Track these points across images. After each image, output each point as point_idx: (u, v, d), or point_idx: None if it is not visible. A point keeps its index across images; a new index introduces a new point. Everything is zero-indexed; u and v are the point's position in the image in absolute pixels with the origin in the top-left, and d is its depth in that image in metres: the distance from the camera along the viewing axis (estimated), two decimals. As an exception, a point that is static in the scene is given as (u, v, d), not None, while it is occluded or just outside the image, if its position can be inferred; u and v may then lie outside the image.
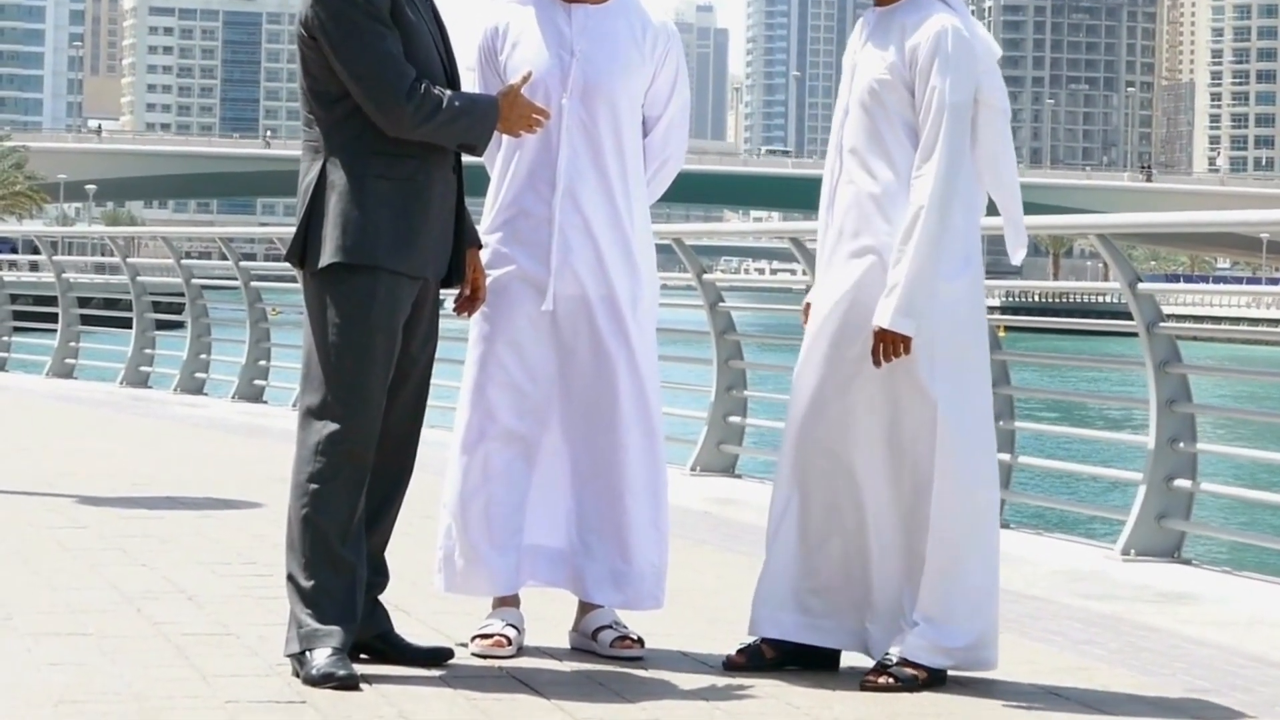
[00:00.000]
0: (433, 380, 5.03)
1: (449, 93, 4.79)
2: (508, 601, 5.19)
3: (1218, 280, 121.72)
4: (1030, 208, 5.21)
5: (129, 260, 16.98)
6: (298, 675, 4.67)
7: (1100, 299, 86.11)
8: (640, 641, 5.14)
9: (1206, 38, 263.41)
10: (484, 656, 5.03)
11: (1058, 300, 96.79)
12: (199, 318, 15.85)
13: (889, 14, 5.03)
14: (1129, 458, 15.16)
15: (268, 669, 4.79)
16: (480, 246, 5.10)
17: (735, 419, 10.26)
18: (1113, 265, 7.73)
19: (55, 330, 17.80)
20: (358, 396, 4.74)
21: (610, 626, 5.15)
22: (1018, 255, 5.11)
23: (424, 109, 4.73)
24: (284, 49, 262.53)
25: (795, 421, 5.05)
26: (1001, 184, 5.05)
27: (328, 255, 4.75)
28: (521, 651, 5.11)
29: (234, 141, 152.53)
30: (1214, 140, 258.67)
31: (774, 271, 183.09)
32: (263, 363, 15.19)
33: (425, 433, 5.00)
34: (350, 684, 4.58)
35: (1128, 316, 7.77)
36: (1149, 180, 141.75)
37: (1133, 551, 7.47)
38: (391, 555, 4.97)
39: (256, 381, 15.13)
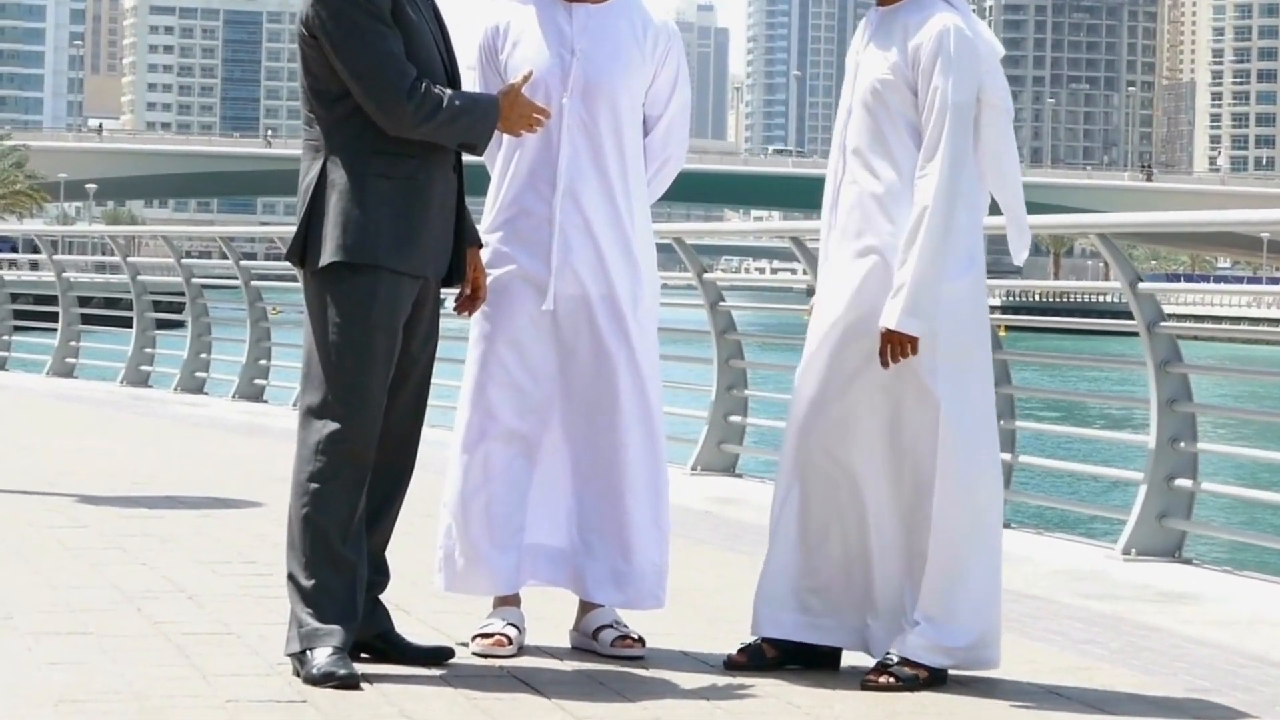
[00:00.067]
0: (433, 379, 5.03)
1: (449, 92, 4.79)
2: (508, 601, 5.19)
3: (1218, 280, 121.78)
4: (1031, 207, 5.21)
5: (129, 259, 16.98)
6: (298, 674, 4.67)
7: (1101, 298, 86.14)
8: (641, 641, 5.14)
9: (1207, 37, 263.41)
10: (485, 656, 5.03)
11: (1058, 300, 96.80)
12: (199, 317, 15.85)
13: (891, 14, 5.03)
14: (1130, 457, 15.16)
15: (268, 668, 4.79)
16: (481, 246, 5.10)
17: (736, 418, 10.26)
18: (1113, 265, 7.72)
19: (56, 329, 17.80)
20: (358, 396, 4.74)
21: (611, 626, 5.15)
22: (1020, 256, 5.10)
23: (424, 108, 4.73)
24: (285, 48, 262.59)
25: (796, 421, 5.05)
26: (1005, 183, 5.05)
27: (328, 254, 4.75)
28: (522, 651, 5.10)
29: (234, 141, 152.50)
30: (1215, 140, 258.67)
31: (775, 271, 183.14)
32: (263, 362, 15.19)
33: (426, 432, 5.00)
34: (351, 683, 4.57)
35: (1128, 316, 7.77)
36: (1149, 180, 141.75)
37: (1133, 551, 7.47)
38: (392, 554, 4.97)
39: (257, 381, 15.13)
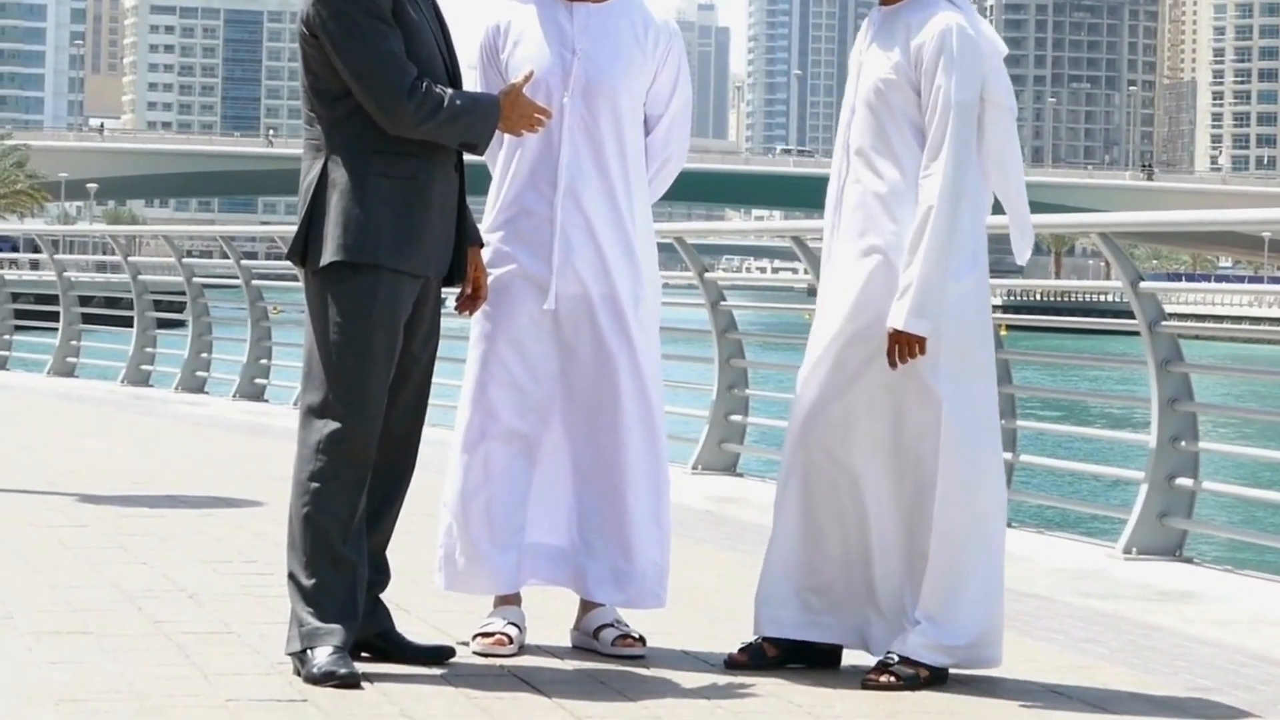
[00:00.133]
0: (434, 379, 5.03)
1: (450, 91, 4.79)
2: (509, 600, 5.19)
3: (1219, 279, 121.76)
4: (1032, 206, 5.20)
5: (130, 259, 16.98)
6: (299, 674, 4.66)
7: (1102, 298, 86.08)
8: (642, 640, 5.14)
9: (1208, 36, 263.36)
10: (485, 655, 5.03)
11: (1059, 299, 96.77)
12: (200, 316, 15.84)
13: (894, 13, 5.02)
14: (1131, 456, 15.16)
15: (269, 667, 4.79)
16: (482, 245, 5.09)
17: (737, 418, 10.26)
18: (1115, 264, 7.72)
19: (56, 329, 17.79)
20: (359, 395, 4.74)
21: (612, 625, 5.15)
22: (1023, 255, 5.09)
23: (425, 107, 4.72)
24: (285, 47, 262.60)
25: (797, 420, 5.05)
26: (1009, 183, 5.04)
27: (329, 254, 4.74)
28: (523, 650, 5.10)
29: (235, 140, 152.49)
30: (1216, 139, 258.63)
31: (776, 270, 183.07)
32: (264, 361, 15.19)
33: (426, 431, 4.99)
34: (351, 682, 4.57)
35: (1129, 315, 7.76)
36: (1150, 179, 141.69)
37: (1134, 550, 7.47)
38: (392, 554, 4.97)
39: (258, 380, 15.13)
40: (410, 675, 4.75)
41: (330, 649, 4.64)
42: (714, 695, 4.69)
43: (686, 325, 11.96)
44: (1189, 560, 7.49)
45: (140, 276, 16.73)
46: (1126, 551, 7.47)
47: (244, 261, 15.32)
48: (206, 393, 15.57)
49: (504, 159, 5.19)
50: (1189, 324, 8.68)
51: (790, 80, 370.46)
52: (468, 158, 4.96)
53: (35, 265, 23.90)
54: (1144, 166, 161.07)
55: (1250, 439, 25.77)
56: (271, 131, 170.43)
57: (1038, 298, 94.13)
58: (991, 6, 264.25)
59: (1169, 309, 7.80)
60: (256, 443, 11.56)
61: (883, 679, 4.86)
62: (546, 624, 5.28)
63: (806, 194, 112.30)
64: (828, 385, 4.99)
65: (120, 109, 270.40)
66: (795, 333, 9.82)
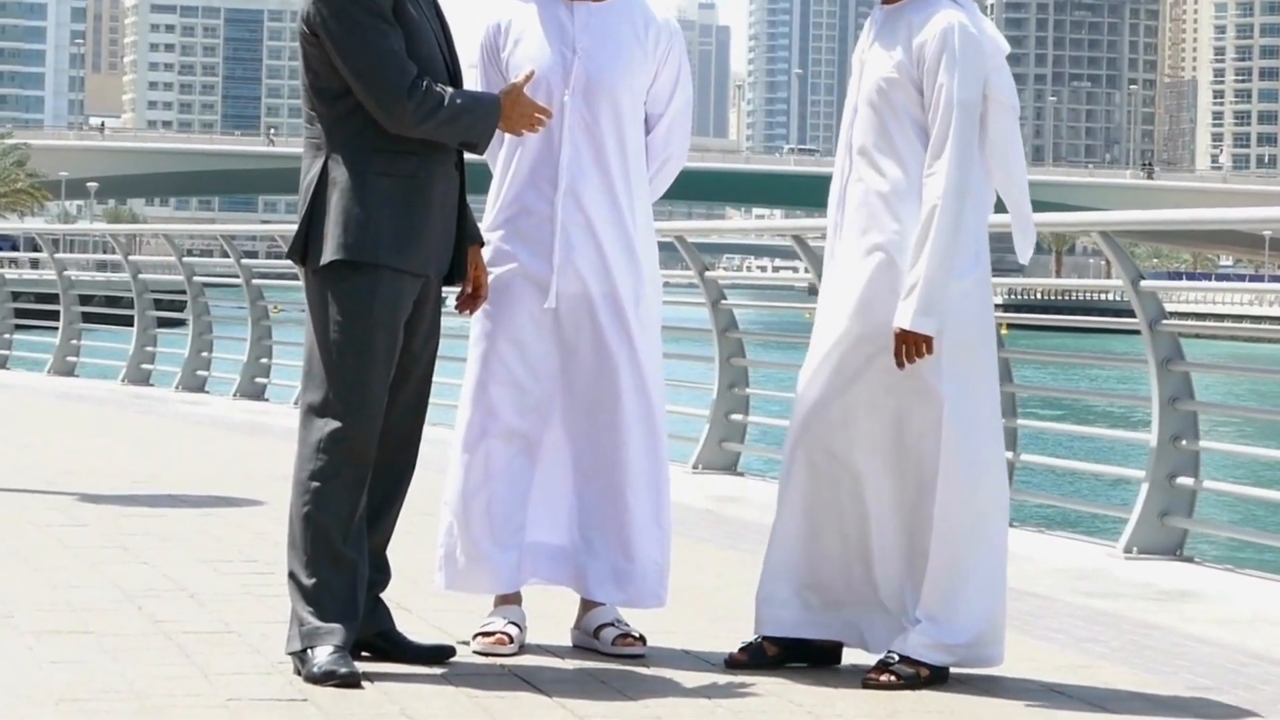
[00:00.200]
0: (434, 378, 5.03)
1: (451, 90, 4.79)
2: (509, 599, 5.18)
3: (1220, 278, 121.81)
4: (1033, 205, 5.19)
5: (130, 258, 16.98)
6: (299, 673, 4.66)
7: (1102, 297, 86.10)
8: (642, 639, 5.14)
9: (1209, 35, 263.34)
10: (486, 654, 5.02)
11: (1060, 298, 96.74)
12: (200, 315, 15.85)
13: (896, 12, 5.02)
14: (1131, 455, 15.14)
15: (269, 667, 4.78)
16: (482, 244, 5.09)
17: (737, 417, 10.25)
18: (1115, 263, 7.72)
19: (57, 328, 17.79)
20: (359, 394, 4.74)
21: (612, 624, 5.15)
22: (1025, 254, 5.09)
23: (425, 106, 4.72)
24: (286, 46, 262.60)
25: (798, 419, 5.05)
26: (1011, 181, 5.04)
27: (329, 253, 4.74)
28: (523, 649, 5.10)
29: (236, 139, 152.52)
30: (1217, 138, 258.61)
31: (776, 269, 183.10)
32: (264, 360, 15.19)
33: (427, 430, 4.99)
34: (352, 682, 4.57)
35: (1130, 314, 7.76)
36: (1151, 178, 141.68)
37: (1135, 549, 7.46)
38: (393, 553, 4.97)
39: (258, 379, 15.13)
40: (411, 675, 4.75)
41: (331, 648, 4.63)
42: (714, 694, 4.69)
43: (687, 324, 11.96)
44: (1190, 559, 7.48)
45: (140, 275, 16.73)
46: (1127, 551, 7.46)
47: (244, 260, 15.32)
48: (207, 392, 15.57)
49: (504, 158, 5.19)
50: (1190, 323, 8.68)
51: (791, 79, 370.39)
52: (468, 156, 4.96)
53: (35, 264, 23.88)
54: (1145, 165, 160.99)
55: (1251, 438, 25.78)
56: (272, 130, 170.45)
57: (1038, 296, 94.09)
58: (992, 5, 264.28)
59: (1169, 308, 7.78)
60: (257, 442, 11.55)
61: (883, 678, 4.85)
62: (547, 623, 5.27)
63: (807, 193, 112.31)
64: (829, 384, 4.99)
65: (121, 108, 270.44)
66: (796, 332, 9.83)
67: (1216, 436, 22.66)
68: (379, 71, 4.71)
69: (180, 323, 16.80)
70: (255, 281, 15.28)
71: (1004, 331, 11.85)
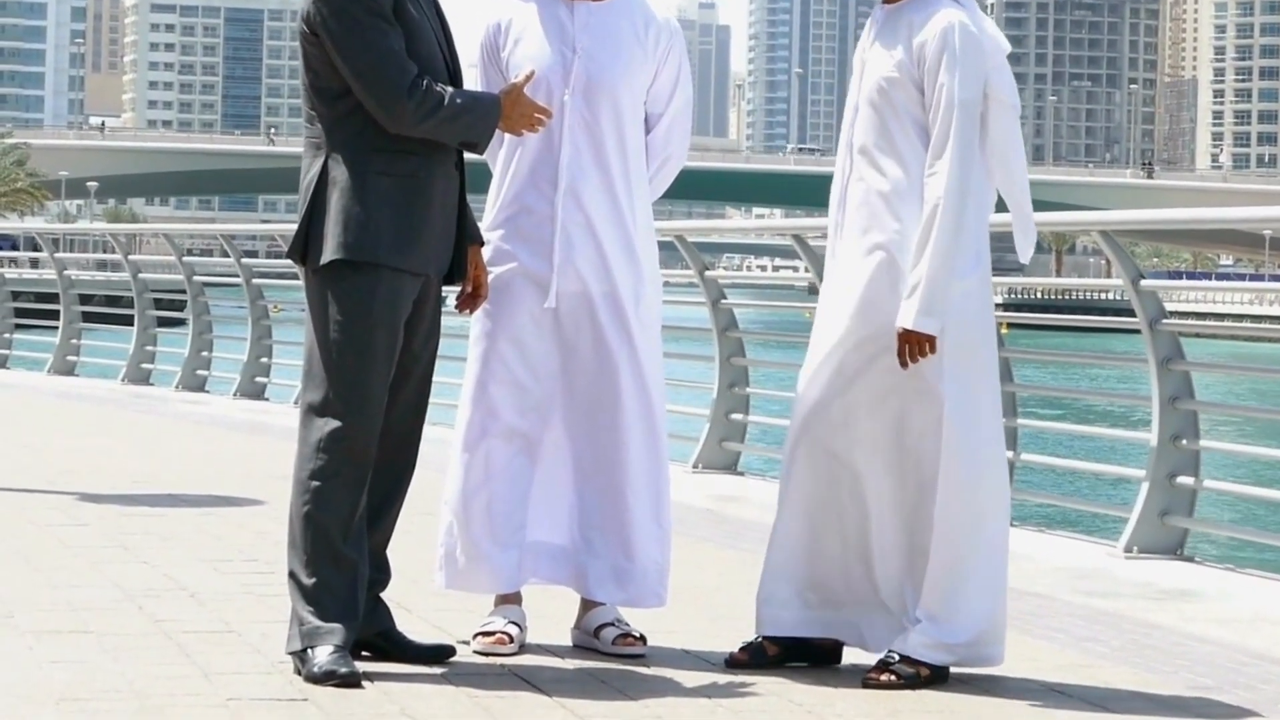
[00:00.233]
0: (434, 377, 5.02)
1: (451, 90, 4.78)
2: (509, 599, 5.18)
3: (1220, 277, 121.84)
4: (1033, 204, 5.19)
5: (130, 257, 16.98)
6: (299, 673, 4.66)
7: (1103, 296, 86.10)
8: (642, 639, 5.13)
9: (1209, 34, 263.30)
10: (486, 654, 5.02)
11: (1060, 297, 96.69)
12: (200, 315, 15.84)
13: (897, 11, 5.02)
14: (1132, 455, 15.15)
15: (269, 666, 4.78)
16: (482, 243, 5.09)
17: (737, 416, 10.25)
18: (1115, 262, 7.71)
19: (57, 327, 17.79)
20: (359, 394, 4.73)
21: (612, 624, 5.14)
22: (1026, 254, 5.09)
23: (425, 106, 4.72)
24: (286, 45, 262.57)
25: (799, 419, 5.05)
26: (1012, 180, 5.03)
27: (329, 252, 4.74)
28: (523, 649, 5.10)
29: (236, 138, 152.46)
30: (1217, 137, 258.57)
31: (776, 269, 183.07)
32: (264, 360, 15.19)
33: (427, 430, 4.99)
34: (352, 681, 4.57)
35: (1130, 313, 7.76)
36: (1151, 177, 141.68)
37: (1135, 549, 7.46)
38: (393, 552, 4.97)
39: (258, 379, 15.13)
40: (411, 674, 4.75)
41: (331, 648, 4.63)
42: (715, 694, 4.68)
43: (687, 323, 11.96)
44: (1190, 559, 7.48)
45: (140, 275, 16.72)
46: (1127, 550, 7.46)
47: (244, 260, 15.32)
48: (207, 391, 15.57)
49: (504, 157, 5.19)
50: (1190, 322, 8.69)
51: (791, 78, 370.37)
52: (468, 156, 4.96)
53: (35, 264, 23.88)
54: (1145, 164, 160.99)
55: (1251, 437, 25.77)
56: (272, 130, 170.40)
57: (1039, 296, 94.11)
58: (993, 4, 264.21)
59: (1170, 307, 7.78)
60: (257, 441, 11.55)
61: (883, 678, 4.85)
62: (547, 623, 5.27)
63: (807, 192, 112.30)
64: (830, 384, 4.99)
65: (121, 107, 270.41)
66: (796, 331, 9.82)
67: (1217, 436, 22.67)
68: (379, 71, 4.71)
69: (180, 322, 16.80)
70: (255, 281, 15.27)
71: (1004, 331, 11.85)
